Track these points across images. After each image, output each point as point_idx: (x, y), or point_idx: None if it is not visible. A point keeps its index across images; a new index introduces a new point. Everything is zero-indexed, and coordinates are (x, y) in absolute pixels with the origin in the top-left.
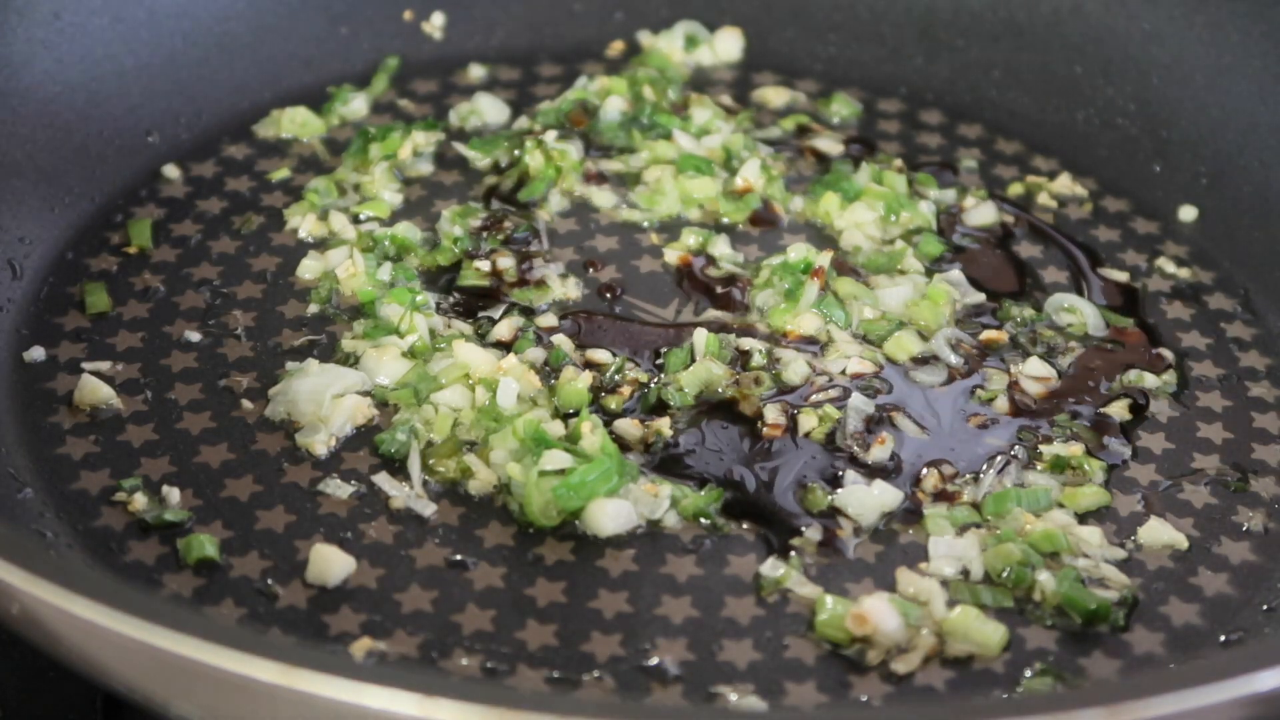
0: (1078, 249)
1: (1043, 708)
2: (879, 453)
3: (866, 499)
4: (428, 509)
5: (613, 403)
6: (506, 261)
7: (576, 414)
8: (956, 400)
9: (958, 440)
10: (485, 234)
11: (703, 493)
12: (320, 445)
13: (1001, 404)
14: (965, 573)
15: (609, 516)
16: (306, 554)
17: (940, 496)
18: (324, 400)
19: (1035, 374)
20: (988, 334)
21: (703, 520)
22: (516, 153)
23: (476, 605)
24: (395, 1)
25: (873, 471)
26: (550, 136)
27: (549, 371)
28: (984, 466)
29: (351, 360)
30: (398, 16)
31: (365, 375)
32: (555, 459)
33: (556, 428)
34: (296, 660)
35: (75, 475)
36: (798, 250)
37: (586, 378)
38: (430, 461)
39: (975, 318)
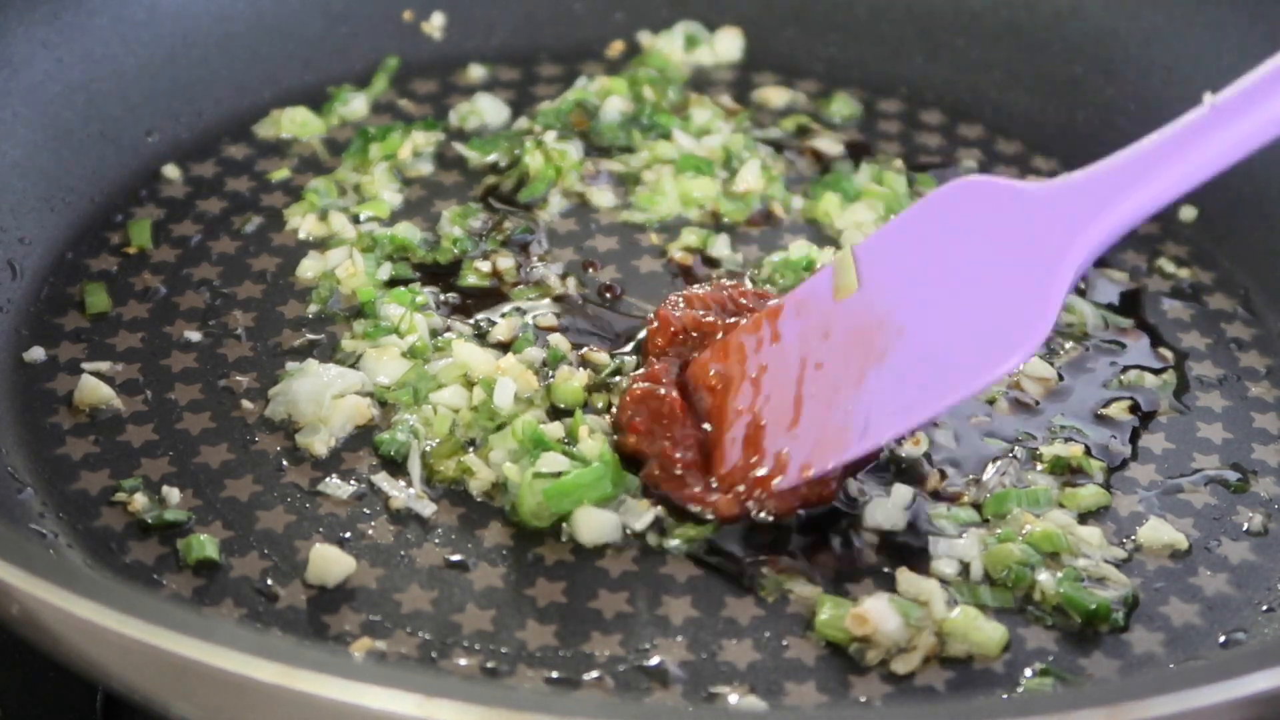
0: None
1: (1043, 708)
2: (912, 450)
3: (894, 511)
4: (428, 509)
5: (610, 402)
6: (506, 262)
7: (571, 413)
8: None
9: (958, 440)
10: (485, 235)
11: (704, 527)
12: (320, 445)
13: (1002, 405)
14: (965, 573)
15: (588, 527)
16: (306, 554)
17: (940, 496)
18: (324, 400)
19: (1036, 374)
20: None
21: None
22: (516, 153)
23: (476, 605)
24: (395, 1)
25: (897, 466)
26: (550, 137)
27: (547, 371)
28: (984, 467)
29: (351, 360)
30: (398, 16)
31: (365, 375)
32: (552, 461)
33: (555, 430)
34: (296, 660)
35: (75, 475)
36: (800, 248)
37: (582, 376)
38: (430, 461)
39: None
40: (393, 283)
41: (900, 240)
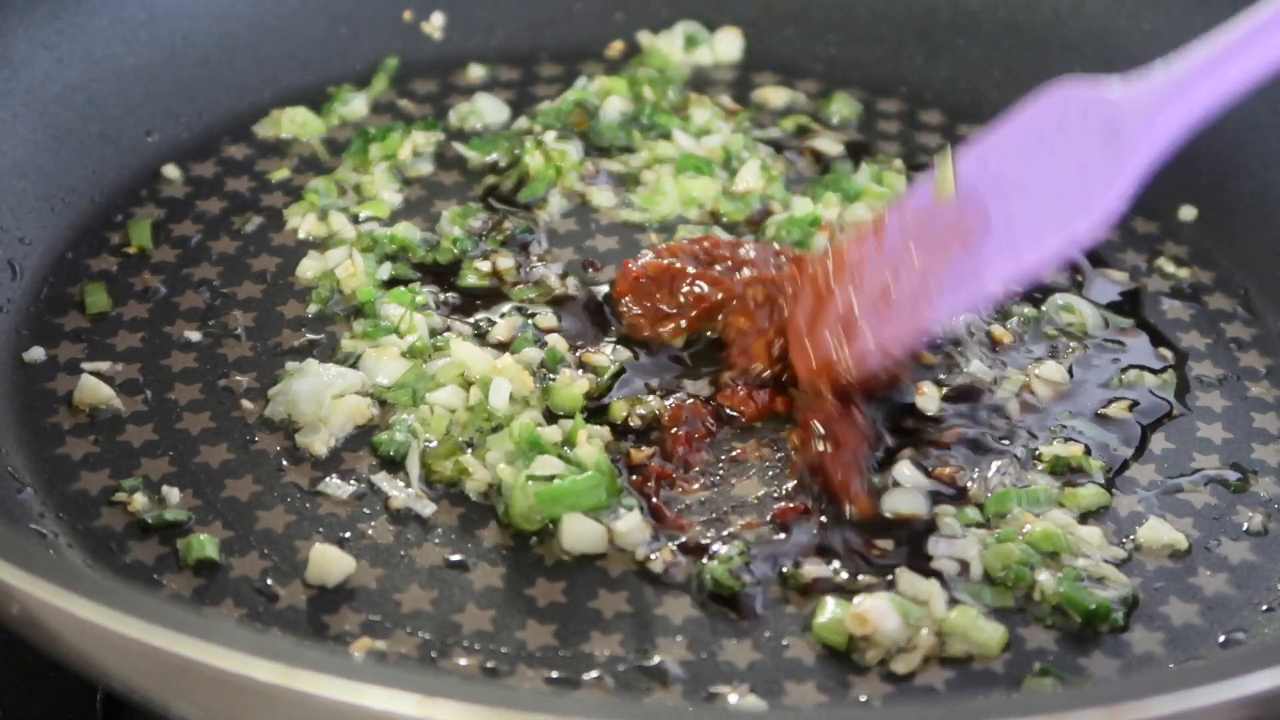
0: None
1: (1043, 708)
2: (923, 402)
3: (911, 497)
4: (427, 509)
5: (621, 413)
6: (506, 262)
7: (570, 417)
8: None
9: (958, 439)
10: (485, 235)
11: (720, 561)
12: (321, 445)
13: (1013, 406)
14: (965, 572)
15: (573, 535)
16: (306, 554)
17: (950, 485)
18: (324, 400)
19: (1049, 377)
20: (995, 329)
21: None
22: (516, 153)
23: (476, 605)
24: (395, 1)
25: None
26: (550, 137)
27: (544, 373)
28: (983, 465)
29: (351, 360)
30: (398, 16)
31: (365, 375)
32: (546, 465)
33: (553, 433)
34: (296, 660)
35: (75, 475)
36: (803, 205)
37: (583, 383)
38: (428, 461)
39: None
40: (393, 282)
41: (995, 146)
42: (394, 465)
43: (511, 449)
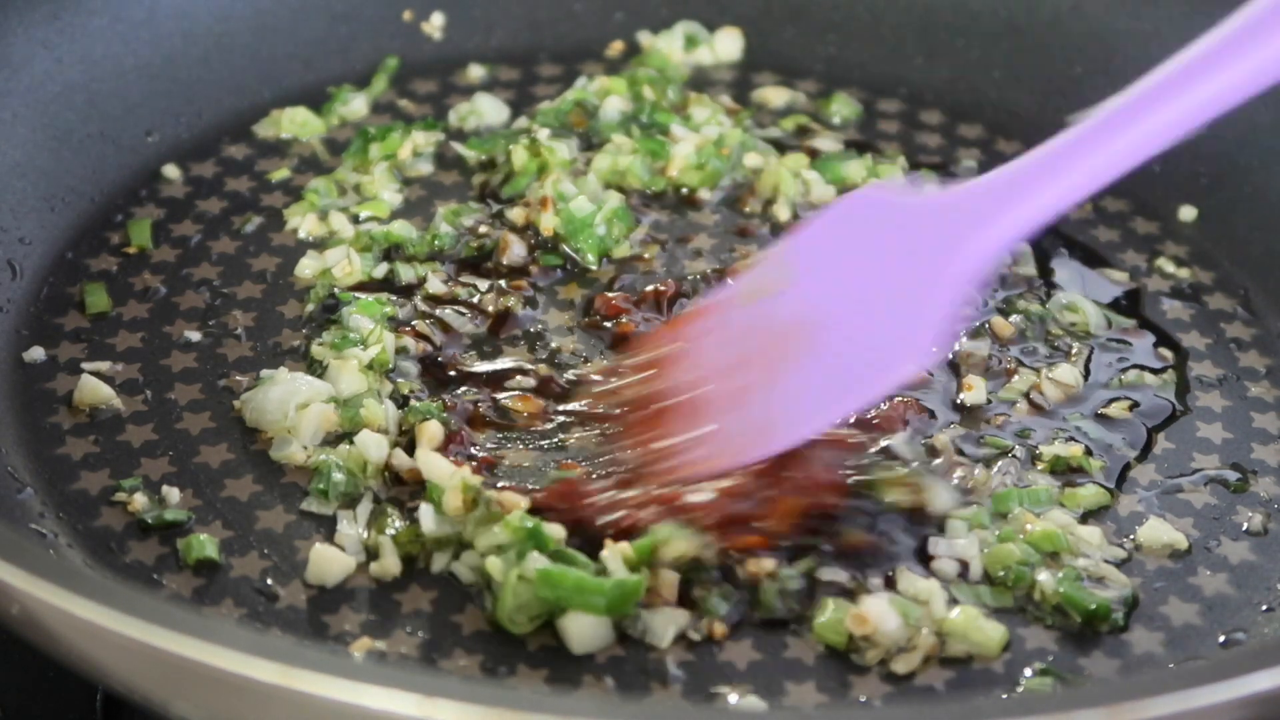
0: (1077, 249)
1: (1043, 708)
2: (971, 396)
3: (948, 498)
4: (392, 567)
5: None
6: (437, 284)
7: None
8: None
9: (971, 436)
10: (465, 238)
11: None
12: (299, 455)
13: (1022, 406)
14: (965, 573)
15: (577, 637)
16: (306, 554)
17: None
18: (289, 411)
19: (1061, 379)
20: (996, 320)
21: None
22: (510, 148)
23: (476, 605)
24: (395, 1)
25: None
26: (544, 135)
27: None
28: (984, 465)
29: (319, 370)
30: (398, 16)
31: (330, 386)
32: (540, 564)
33: (557, 530)
34: (296, 660)
35: (75, 475)
36: (754, 160)
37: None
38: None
39: (1015, 291)
40: (383, 284)
41: (814, 246)
42: (352, 501)
43: (503, 540)
